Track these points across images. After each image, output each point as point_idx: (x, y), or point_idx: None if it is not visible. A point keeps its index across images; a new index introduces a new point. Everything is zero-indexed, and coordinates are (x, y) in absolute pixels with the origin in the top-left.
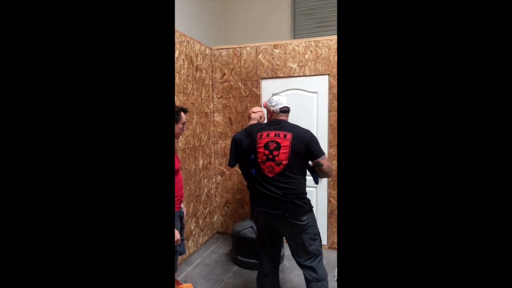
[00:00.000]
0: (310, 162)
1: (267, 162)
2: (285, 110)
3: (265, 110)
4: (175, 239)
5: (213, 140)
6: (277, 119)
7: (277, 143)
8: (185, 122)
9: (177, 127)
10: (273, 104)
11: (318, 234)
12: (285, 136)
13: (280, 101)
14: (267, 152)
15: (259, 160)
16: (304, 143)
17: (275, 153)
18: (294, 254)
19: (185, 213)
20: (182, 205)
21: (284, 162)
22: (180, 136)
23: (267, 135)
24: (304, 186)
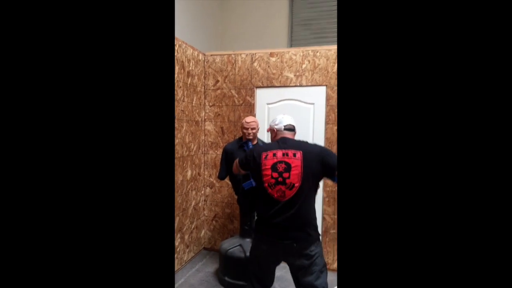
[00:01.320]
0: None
1: (277, 186)
2: (290, 128)
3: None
4: None
5: (203, 150)
6: (283, 137)
7: (287, 163)
8: None
9: None
10: (276, 122)
11: (325, 265)
12: (294, 155)
13: (284, 119)
14: (275, 174)
15: (266, 185)
16: (317, 160)
17: (286, 175)
18: (299, 286)
19: None
20: None
21: (296, 185)
22: None
23: (274, 155)
24: (314, 211)
